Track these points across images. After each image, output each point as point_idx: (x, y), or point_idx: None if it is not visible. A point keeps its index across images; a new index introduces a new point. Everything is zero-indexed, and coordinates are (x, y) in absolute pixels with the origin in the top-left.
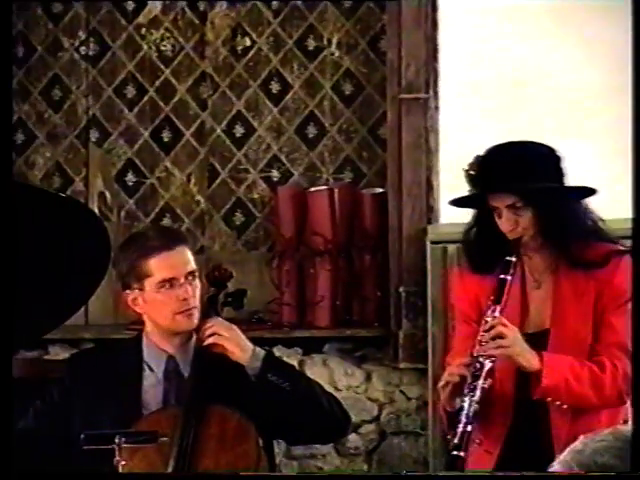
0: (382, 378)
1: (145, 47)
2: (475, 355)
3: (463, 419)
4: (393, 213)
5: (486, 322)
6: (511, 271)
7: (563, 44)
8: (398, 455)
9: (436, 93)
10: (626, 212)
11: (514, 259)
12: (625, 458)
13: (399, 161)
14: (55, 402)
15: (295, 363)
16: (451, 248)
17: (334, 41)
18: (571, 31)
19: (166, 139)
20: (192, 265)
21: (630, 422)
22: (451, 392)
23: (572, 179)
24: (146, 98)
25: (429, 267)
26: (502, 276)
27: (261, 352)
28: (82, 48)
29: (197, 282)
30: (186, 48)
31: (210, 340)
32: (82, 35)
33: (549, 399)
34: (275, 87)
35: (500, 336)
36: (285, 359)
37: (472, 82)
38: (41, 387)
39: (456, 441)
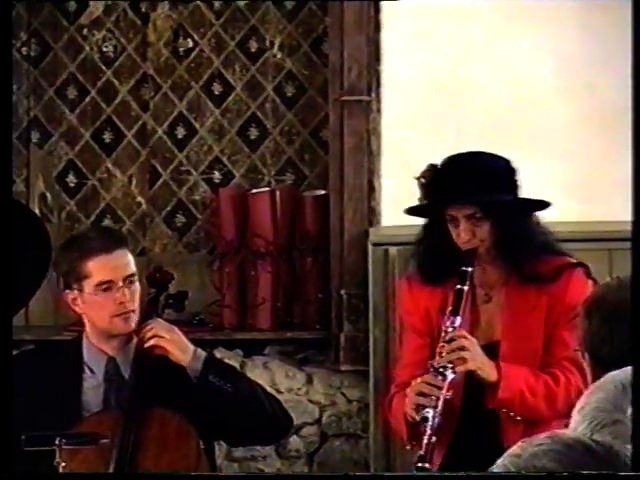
0: (323, 380)
1: (87, 48)
2: (436, 366)
3: (428, 430)
4: (335, 215)
5: (446, 333)
6: (467, 282)
7: (507, 44)
8: (339, 458)
9: (378, 95)
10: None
11: (470, 269)
12: (563, 461)
13: (341, 163)
14: None
15: (236, 365)
16: (392, 250)
17: (276, 43)
18: (517, 31)
19: (107, 140)
20: (131, 268)
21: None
22: (417, 405)
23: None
24: (87, 99)
25: (371, 269)
26: (459, 286)
27: (202, 354)
28: (23, 49)
29: (136, 286)
30: (128, 49)
31: (151, 342)
32: (23, 36)
33: (504, 410)
34: (217, 89)
35: (462, 348)
36: (226, 361)
37: (414, 84)
38: None
39: (422, 452)
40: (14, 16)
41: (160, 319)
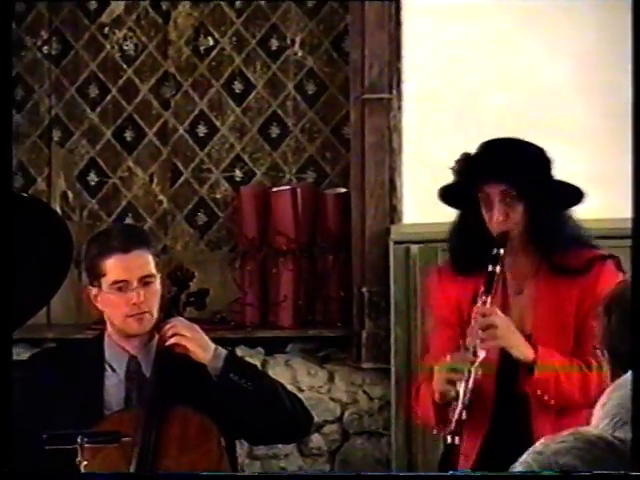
0: (345, 378)
1: (108, 46)
2: (467, 345)
3: (460, 406)
4: (356, 213)
5: (477, 312)
6: (499, 264)
7: (530, 44)
8: (361, 455)
9: (399, 93)
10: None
11: (502, 252)
12: (586, 458)
13: (362, 161)
14: (18, 403)
15: (258, 363)
16: (414, 248)
17: (297, 41)
18: (538, 31)
19: (129, 139)
20: (149, 269)
21: (592, 423)
22: (448, 380)
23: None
24: (109, 97)
25: (392, 267)
26: (491, 268)
27: (223, 352)
28: (44, 47)
29: (153, 287)
30: (149, 48)
31: (172, 340)
32: (44, 34)
33: (538, 392)
34: (238, 87)
35: (493, 325)
36: (247, 359)
37: (436, 82)
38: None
39: (452, 427)
40: (35, 15)
41: (181, 317)
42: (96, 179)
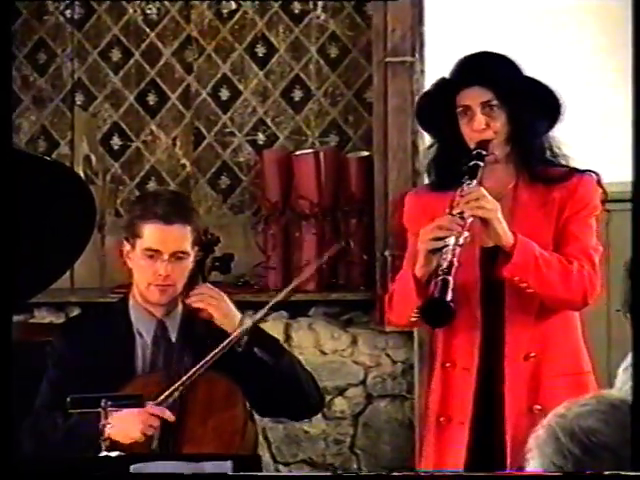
0: (368, 342)
1: (130, 10)
2: (453, 212)
3: (450, 252)
4: (378, 177)
5: (462, 190)
6: (483, 161)
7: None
8: (384, 419)
9: (422, 57)
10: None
11: (484, 152)
12: (609, 421)
13: (385, 125)
14: (55, 373)
15: (281, 327)
16: None
17: (320, 4)
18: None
19: (151, 103)
20: (184, 246)
21: (615, 386)
22: (435, 237)
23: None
24: (131, 62)
25: None
26: (474, 162)
27: (248, 323)
28: (67, 11)
29: (184, 263)
30: (171, 12)
31: (198, 305)
32: None
33: (517, 279)
34: (261, 50)
35: (480, 198)
36: (271, 322)
37: (458, 45)
38: (27, 350)
39: (444, 267)
40: None
41: (208, 284)
42: (119, 143)
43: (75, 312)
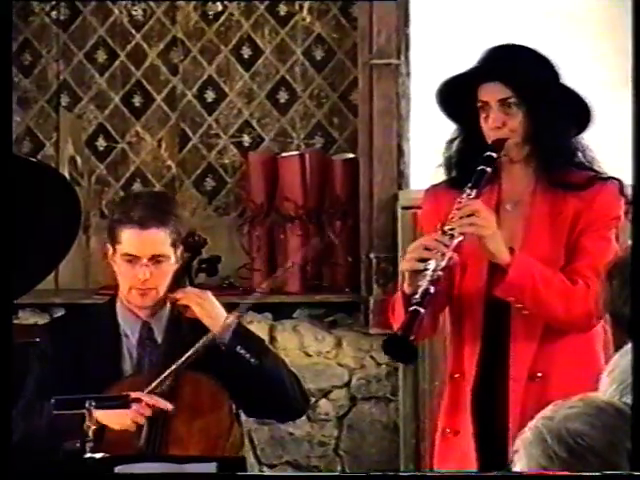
0: (352, 344)
1: (116, 12)
2: (445, 229)
3: (428, 278)
4: (364, 179)
5: (460, 202)
6: (491, 166)
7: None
8: (368, 421)
9: (407, 59)
10: None
11: (495, 155)
12: (595, 424)
13: (370, 127)
14: (41, 372)
15: (266, 328)
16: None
17: (305, 6)
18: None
19: (137, 104)
20: (162, 249)
21: (599, 389)
22: (420, 258)
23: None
24: (117, 63)
25: (400, 233)
26: (481, 167)
27: (232, 323)
28: (53, 13)
29: (164, 266)
30: (157, 13)
31: (183, 301)
32: (53, 0)
33: (512, 299)
34: (246, 52)
35: (474, 213)
36: (256, 324)
37: (443, 48)
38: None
39: (417, 297)
40: None
41: (191, 287)
42: (104, 144)
43: (59, 313)
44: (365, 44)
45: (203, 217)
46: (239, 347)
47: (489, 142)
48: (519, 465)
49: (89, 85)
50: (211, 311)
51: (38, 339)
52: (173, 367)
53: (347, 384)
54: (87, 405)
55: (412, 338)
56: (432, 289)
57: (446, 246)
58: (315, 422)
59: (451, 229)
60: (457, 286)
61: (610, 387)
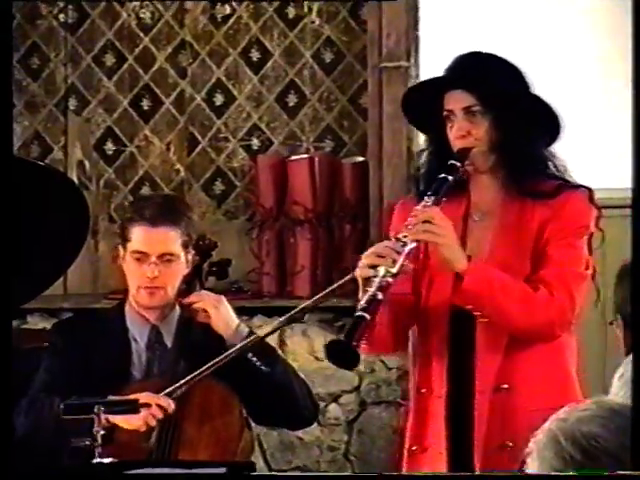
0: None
1: (124, 15)
2: (399, 236)
3: (376, 284)
4: (374, 182)
5: (417, 209)
6: (454, 175)
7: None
8: (378, 425)
9: (417, 62)
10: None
11: (459, 164)
12: (609, 427)
13: (380, 130)
14: (51, 362)
15: (275, 333)
16: None
17: (314, 9)
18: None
19: (145, 107)
20: (172, 248)
21: (610, 392)
22: (371, 264)
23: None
24: (125, 66)
25: None
26: (443, 175)
27: (244, 330)
28: (61, 16)
29: (174, 265)
30: (165, 16)
31: (198, 305)
32: (61, 3)
33: (470, 307)
34: (255, 55)
35: (429, 221)
36: (265, 328)
37: (453, 50)
38: (20, 357)
39: (363, 303)
40: None
41: (204, 287)
42: (113, 148)
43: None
44: (375, 47)
45: (212, 221)
46: (250, 354)
47: (455, 151)
48: (532, 467)
49: (97, 89)
50: (226, 316)
51: (47, 344)
52: (195, 374)
53: (357, 388)
54: (96, 410)
55: (354, 344)
56: (380, 295)
57: (397, 253)
58: (325, 427)
59: (405, 236)
60: (423, 299)
61: (621, 391)
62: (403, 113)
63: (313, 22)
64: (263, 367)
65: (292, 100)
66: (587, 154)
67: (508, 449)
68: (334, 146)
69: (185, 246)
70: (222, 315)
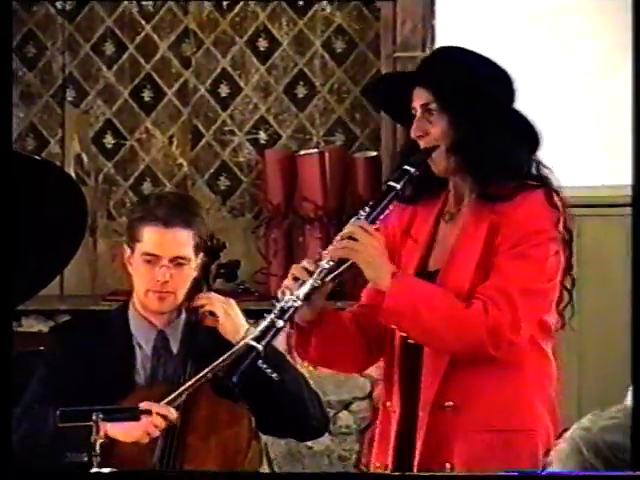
0: None
1: (125, 2)
2: (323, 252)
3: (276, 311)
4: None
5: (349, 222)
6: (402, 181)
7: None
8: None
9: None
10: None
11: (412, 170)
12: None
13: (394, 123)
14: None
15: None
16: None
17: None
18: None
19: (147, 99)
20: (184, 251)
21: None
22: (285, 287)
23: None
24: (126, 55)
25: None
26: (391, 183)
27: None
28: (58, 2)
29: (185, 269)
30: (168, 3)
31: (207, 307)
32: None
33: (393, 326)
34: (262, 44)
35: (351, 237)
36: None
37: (470, 40)
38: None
39: (276, 311)
40: None
41: (212, 288)
42: (112, 141)
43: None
44: (388, 35)
45: (217, 219)
46: (260, 360)
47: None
48: None
49: (96, 79)
50: (235, 320)
51: (42, 348)
52: (194, 380)
53: (369, 395)
54: (94, 417)
55: (234, 381)
56: (280, 323)
57: (310, 274)
58: (335, 435)
59: (325, 254)
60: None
61: None
62: (369, 102)
63: (323, 9)
64: (273, 374)
65: (301, 91)
66: (587, 154)
67: (447, 470)
68: (345, 140)
69: (197, 248)
70: (231, 319)
